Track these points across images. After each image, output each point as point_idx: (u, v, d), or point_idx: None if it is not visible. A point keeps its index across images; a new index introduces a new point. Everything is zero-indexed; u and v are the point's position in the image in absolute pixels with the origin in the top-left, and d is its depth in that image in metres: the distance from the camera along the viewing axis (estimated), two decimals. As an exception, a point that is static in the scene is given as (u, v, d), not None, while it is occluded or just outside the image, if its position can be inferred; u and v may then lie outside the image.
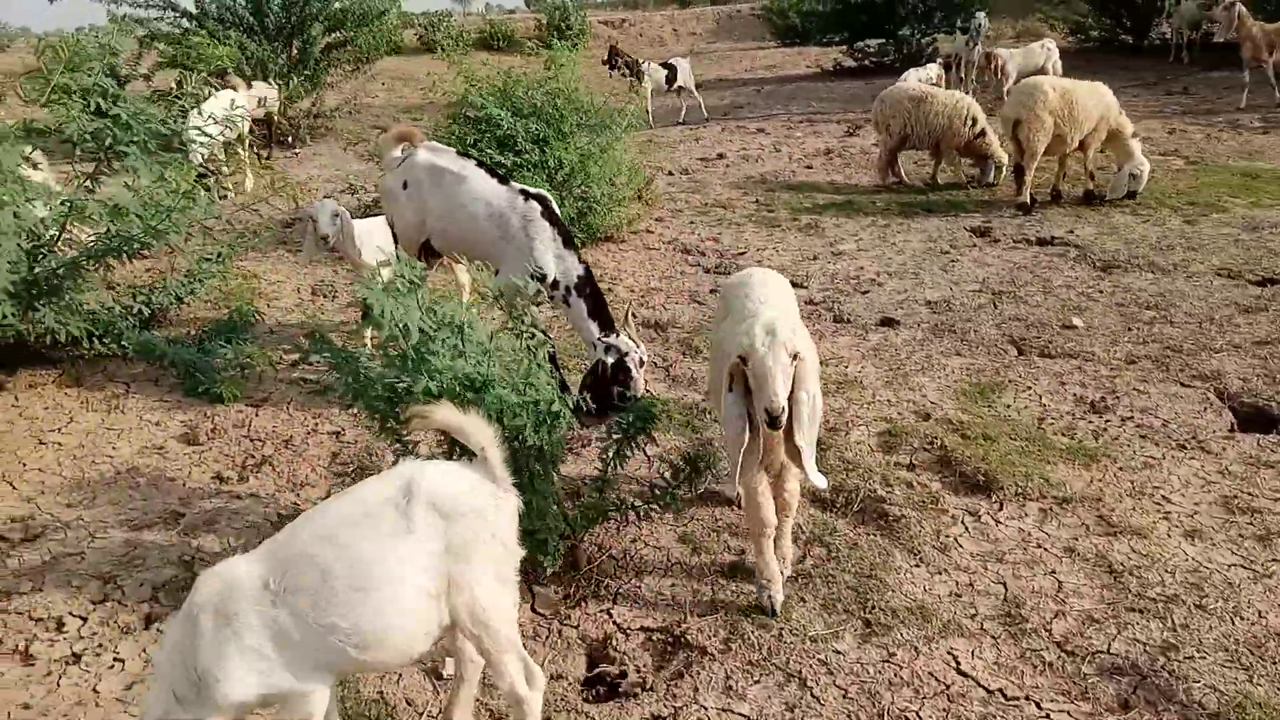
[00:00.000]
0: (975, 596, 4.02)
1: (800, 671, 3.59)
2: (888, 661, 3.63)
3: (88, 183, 6.50)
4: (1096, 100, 9.78)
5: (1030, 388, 6.10)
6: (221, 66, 11.54)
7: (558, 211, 5.77)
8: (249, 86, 12.55)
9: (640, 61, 17.95)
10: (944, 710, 3.39)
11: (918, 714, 3.38)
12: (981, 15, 19.51)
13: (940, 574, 4.18)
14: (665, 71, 17.61)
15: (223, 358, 6.17)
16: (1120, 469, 5.05)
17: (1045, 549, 4.34)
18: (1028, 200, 10.19)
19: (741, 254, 9.27)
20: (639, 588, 4.16)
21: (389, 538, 2.74)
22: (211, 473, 5.28)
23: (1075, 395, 5.97)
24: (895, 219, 10.28)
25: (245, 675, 2.61)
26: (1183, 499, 4.74)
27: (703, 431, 5.61)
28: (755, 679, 3.57)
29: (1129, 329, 6.97)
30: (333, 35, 16.03)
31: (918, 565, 4.24)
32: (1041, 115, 9.73)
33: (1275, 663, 3.57)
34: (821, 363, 4.61)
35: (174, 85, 14.09)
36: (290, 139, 14.60)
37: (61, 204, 6.04)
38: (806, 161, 13.14)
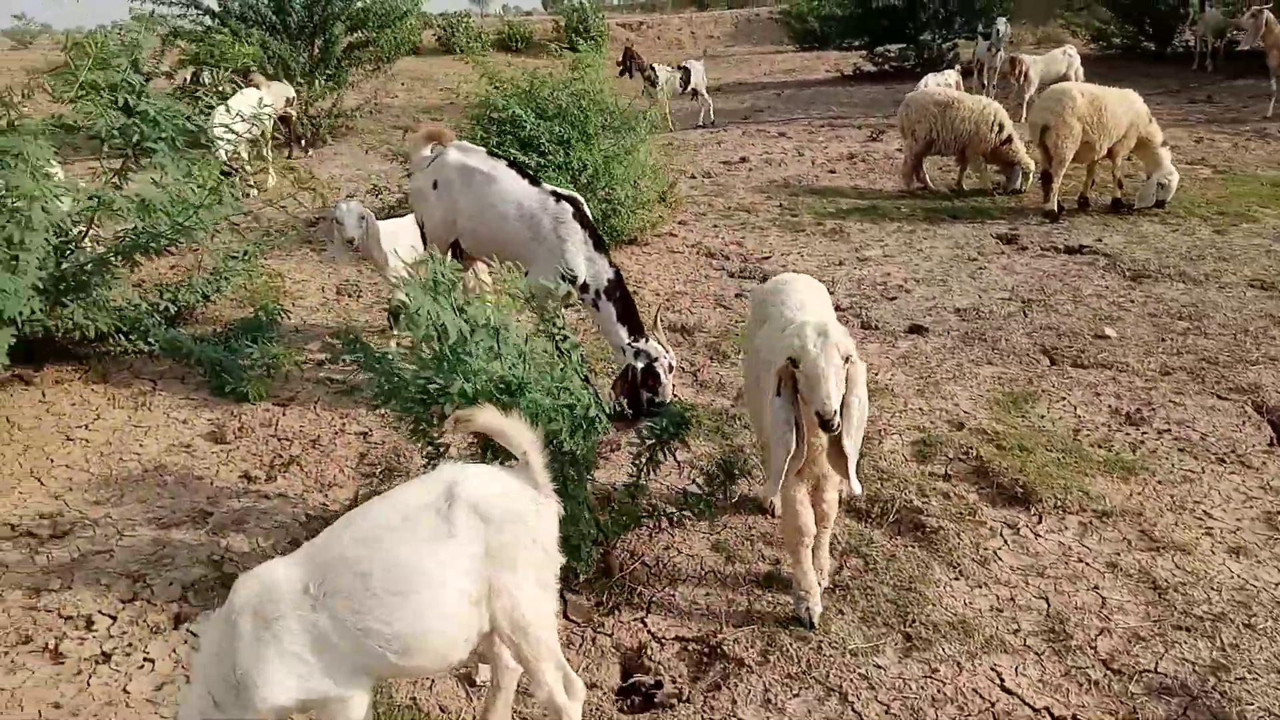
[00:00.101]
0: (1017, 611, 3.94)
1: (841, 686, 3.52)
2: (930, 677, 3.56)
3: (115, 179, 6.49)
4: (1126, 107, 9.68)
5: (1064, 398, 6.02)
6: (246, 65, 11.53)
7: (589, 214, 5.71)
8: (268, 85, 12.55)
9: (654, 65, 17.90)
10: (989, 728, 3.32)
11: (962, 731, 3.31)
12: (1003, 21, 19.42)
13: (981, 588, 4.10)
14: (679, 74, 17.55)
15: (249, 356, 6.14)
16: (1160, 483, 4.97)
17: (1087, 564, 4.26)
18: (1055, 208, 10.10)
19: (766, 258, 9.20)
20: (673, 596, 4.10)
21: (430, 542, 2.69)
22: (239, 472, 5.24)
23: (1110, 406, 5.88)
24: (921, 225, 10.20)
25: (284, 679, 2.56)
26: (1225, 514, 4.66)
27: (733, 438, 5.54)
28: (795, 692, 3.51)
29: (1162, 340, 6.88)
30: (354, 35, 16.03)
31: (957, 578, 4.16)
32: (1070, 122, 9.63)
33: (1328, 684, 3.49)
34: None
35: (188, 80, 14.13)
36: (303, 140, 14.56)
37: (90, 199, 6.02)
38: (829, 166, 13.06)
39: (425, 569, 2.64)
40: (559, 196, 5.64)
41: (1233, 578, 4.12)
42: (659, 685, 3.61)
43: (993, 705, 3.42)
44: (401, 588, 2.61)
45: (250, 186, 10.50)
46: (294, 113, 13.88)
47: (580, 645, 3.84)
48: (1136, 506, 4.72)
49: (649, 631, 3.89)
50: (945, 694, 3.47)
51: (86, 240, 6.49)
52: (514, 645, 2.80)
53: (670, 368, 5.24)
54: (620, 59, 20.14)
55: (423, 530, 2.69)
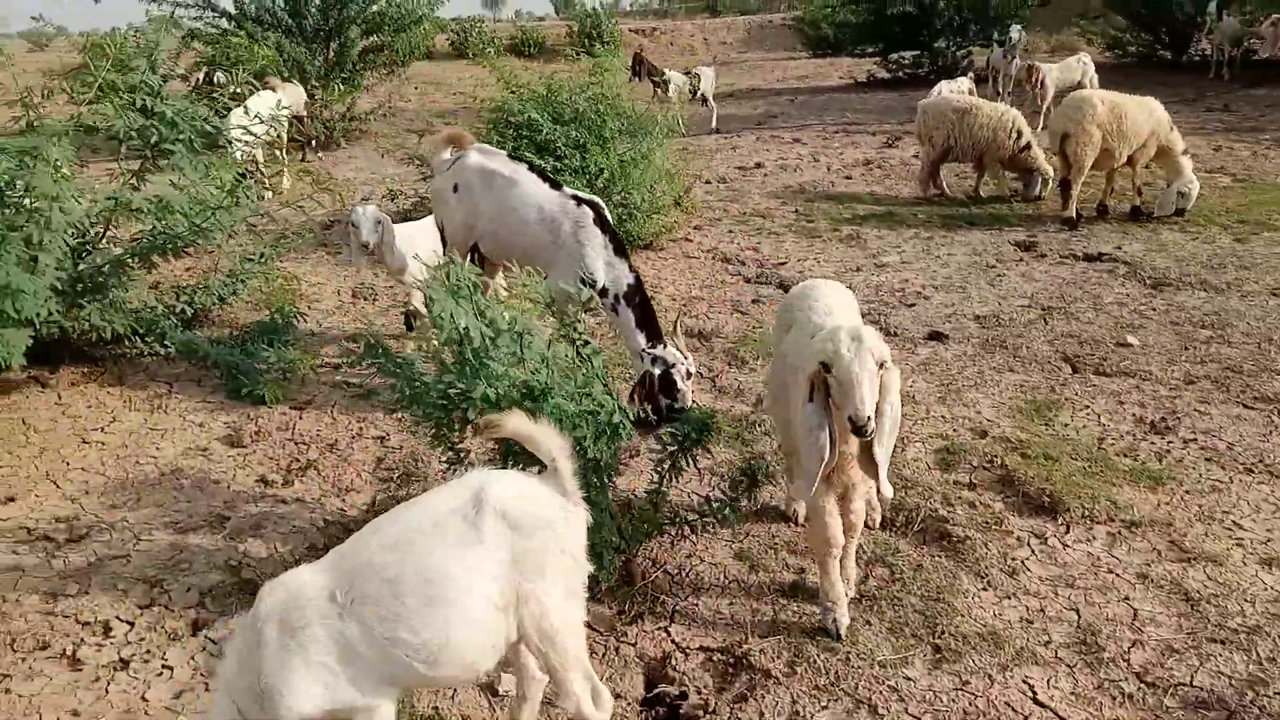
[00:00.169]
0: (1047, 623, 3.87)
1: (870, 698, 3.46)
2: (961, 690, 3.50)
3: (133, 180, 6.47)
4: (1147, 115, 9.61)
5: (1088, 406, 5.95)
6: (264, 67, 11.53)
7: (609, 219, 5.66)
8: (283, 88, 12.56)
9: (664, 70, 17.85)
10: (1023, 742, 3.25)
11: (995, 746, 3.25)
12: (1016, 28, 19.35)
13: (1009, 598, 4.04)
14: (689, 80, 17.49)
15: (265, 360, 6.10)
16: (1188, 492, 4.89)
17: (1117, 574, 4.19)
18: (1074, 215, 10.02)
19: (782, 264, 9.15)
20: (696, 605, 4.04)
21: (458, 548, 2.64)
22: (256, 475, 5.20)
23: (1135, 415, 5.81)
24: (938, 231, 10.14)
25: (310, 689, 2.52)
26: (1255, 525, 4.58)
27: (753, 444, 5.49)
28: (823, 704, 3.45)
29: (1185, 348, 6.80)
30: (369, 39, 16.06)
31: (985, 589, 4.10)
32: (1090, 129, 9.56)
33: (1368, 701, 3.41)
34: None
35: (200, 80, 14.15)
36: (314, 142, 14.56)
37: (107, 200, 5.99)
38: (845, 172, 13.01)
39: (454, 576, 2.59)
40: (580, 201, 5.60)
41: (1266, 589, 4.05)
42: (684, 696, 3.55)
43: (1026, 718, 3.36)
44: (430, 596, 2.56)
45: (266, 189, 10.49)
46: (305, 115, 13.88)
47: (603, 654, 3.78)
48: (1165, 517, 4.65)
49: (673, 641, 3.83)
50: (977, 707, 3.41)
51: (103, 241, 6.47)
52: (542, 654, 2.75)
53: (689, 374, 5.18)
54: (630, 64, 20.11)
55: (451, 537, 2.64)
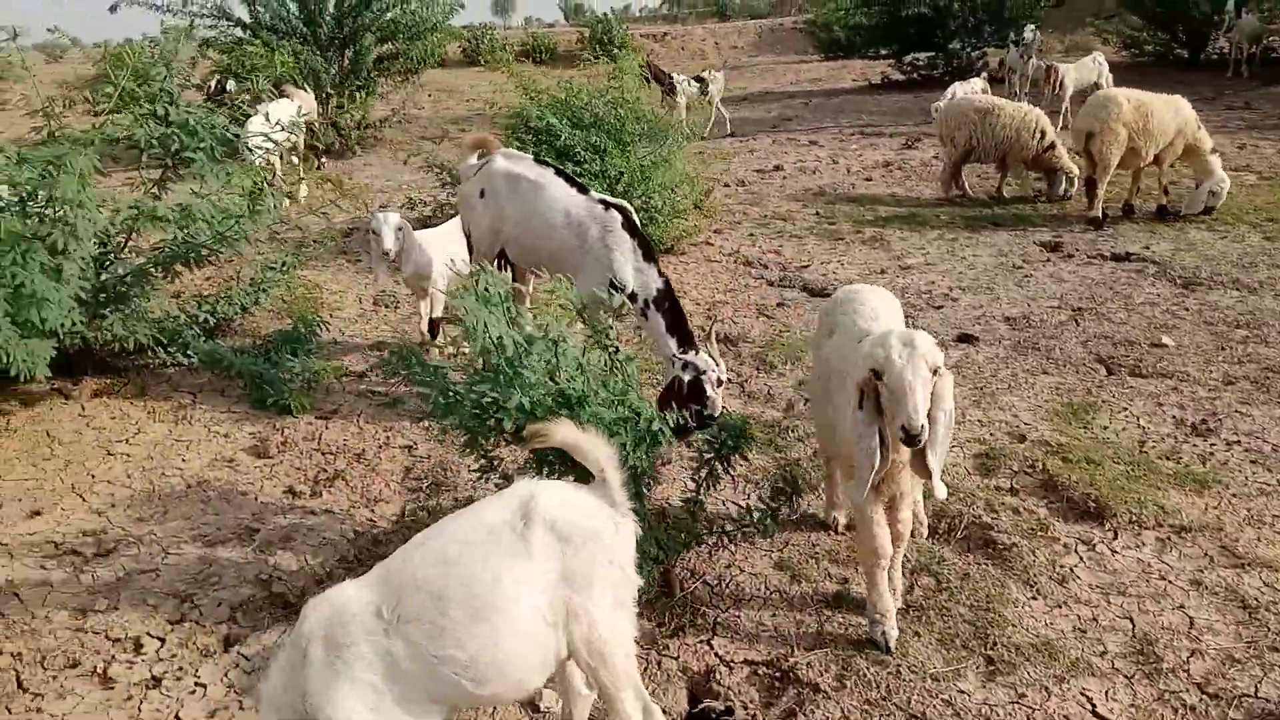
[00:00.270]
0: (1102, 632, 3.77)
1: (924, 712, 3.36)
2: (1017, 703, 3.39)
3: (154, 189, 6.42)
4: (1173, 114, 9.49)
5: (1126, 408, 5.84)
6: (285, 74, 11.51)
7: (638, 223, 5.57)
8: (299, 95, 12.53)
9: (673, 75, 17.72)
10: (1085, 758, 3.15)
11: (1056, 762, 3.14)
12: (1030, 28, 19.21)
13: (1060, 607, 3.93)
14: (698, 85, 17.34)
15: (290, 369, 6.02)
16: (1234, 496, 4.78)
17: (1170, 581, 4.08)
18: (1099, 215, 9.90)
19: (805, 267, 9.05)
20: (738, 617, 3.94)
21: (506, 561, 2.55)
22: (283, 487, 5.12)
23: (1175, 417, 5.70)
24: (962, 232, 10.02)
25: (356, 709, 2.43)
26: (1308, 530, 4.47)
27: (786, 450, 5.39)
28: None
29: (1221, 348, 6.68)
30: (384, 46, 16.04)
31: (1035, 597, 3.99)
32: (1115, 128, 9.44)
33: None
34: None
35: (211, 89, 14.13)
36: (323, 150, 14.51)
37: (131, 208, 5.94)
38: (865, 174, 12.90)
39: (502, 590, 2.51)
40: (608, 205, 5.51)
41: (1326, 597, 3.94)
42: (730, 711, 3.45)
43: (1086, 733, 3.25)
44: (478, 611, 2.48)
45: (286, 195, 10.44)
46: (318, 123, 13.86)
47: (645, 668, 3.67)
48: (1214, 521, 4.54)
49: (716, 654, 3.73)
50: (1034, 721, 3.30)
51: (125, 251, 6.41)
52: (592, 671, 2.66)
53: (720, 382, 5.08)
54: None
55: (499, 549, 2.56)
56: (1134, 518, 4.54)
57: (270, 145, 7.16)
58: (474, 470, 4.88)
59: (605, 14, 32.43)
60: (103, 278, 6.08)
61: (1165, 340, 6.84)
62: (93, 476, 5.23)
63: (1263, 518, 4.57)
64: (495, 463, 4.16)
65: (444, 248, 6.53)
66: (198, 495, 5.03)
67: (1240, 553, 4.26)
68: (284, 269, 7.21)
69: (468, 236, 6.10)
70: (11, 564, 4.42)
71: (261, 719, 2.53)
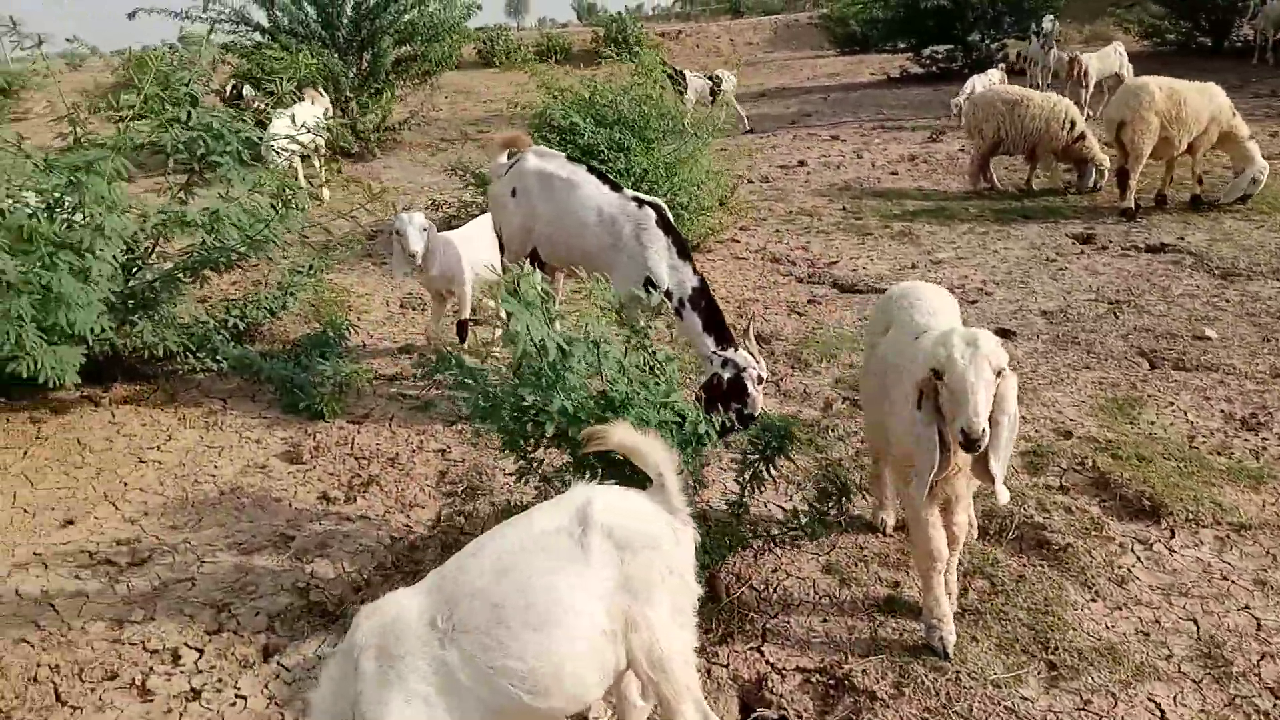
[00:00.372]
0: (1165, 635, 3.64)
1: (986, 720, 3.25)
2: (1084, 710, 3.28)
3: (180, 194, 6.37)
4: (1207, 101, 9.31)
5: (1172, 403, 5.70)
6: (310, 77, 11.46)
7: (672, 220, 5.48)
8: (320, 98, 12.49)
9: (684, 72, 17.56)
10: (1158, 767, 3.03)
11: (1128, 771, 3.03)
12: (1050, 18, 19.01)
13: (1121, 609, 3.81)
14: (709, 83, 17.18)
15: (321, 373, 5.95)
16: (1292, 492, 4.64)
17: (1232, 581, 3.95)
18: (1132, 205, 9.73)
19: (834, 263, 8.93)
20: (788, 623, 3.83)
21: (565, 571, 2.46)
22: (317, 492, 5.05)
23: (1223, 411, 5.56)
24: (992, 226, 9.88)
25: None
26: (1371, 526, 4.33)
27: (827, 450, 5.28)
28: (936, 728, 3.24)
29: (1267, 340, 6.53)
30: (402, 49, 16.00)
31: (1094, 600, 3.87)
32: (1148, 117, 9.28)
33: None
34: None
35: (228, 94, 14.11)
36: (343, 152, 14.48)
37: (160, 214, 5.89)
38: (890, 168, 12.75)
39: (560, 599, 2.42)
40: (641, 202, 5.41)
41: (1397, 596, 3.80)
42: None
43: (1157, 741, 3.14)
44: (535, 620, 2.39)
45: (314, 197, 10.40)
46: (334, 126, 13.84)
47: (694, 676, 3.59)
48: (1274, 519, 4.40)
49: (767, 661, 3.63)
50: (1102, 729, 3.19)
51: (153, 256, 6.37)
52: (652, 683, 2.56)
53: (760, 379, 4.97)
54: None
55: (556, 557, 2.47)
56: (1190, 515, 4.41)
57: (296, 148, 7.09)
58: (510, 473, 4.83)
59: (619, 13, 32.39)
60: (131, 284, 6.03)
61: (1208, 332, 6.69)
62: (125, 484, 5.18)
63: (1323, 514, 4.44)
64: (534, 465, 4.08)
65: (470, 248, 6.45)
66: (231, 502, 4.97)
67: (1303, 551, 4.13)
68: (311, 272, 7.15)
69: (499, 236, 6.01)
70: (46, 574, 4.37)
71: None
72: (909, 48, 24.83)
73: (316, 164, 11.66)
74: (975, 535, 4.29)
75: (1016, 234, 9.55)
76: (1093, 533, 4.33)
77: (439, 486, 5.11)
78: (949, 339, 3.06)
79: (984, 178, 11.28)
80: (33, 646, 3.85)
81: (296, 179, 9.97)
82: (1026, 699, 3.34)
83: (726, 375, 4.99)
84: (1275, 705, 3.27)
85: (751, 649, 3.70)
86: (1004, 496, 3.24)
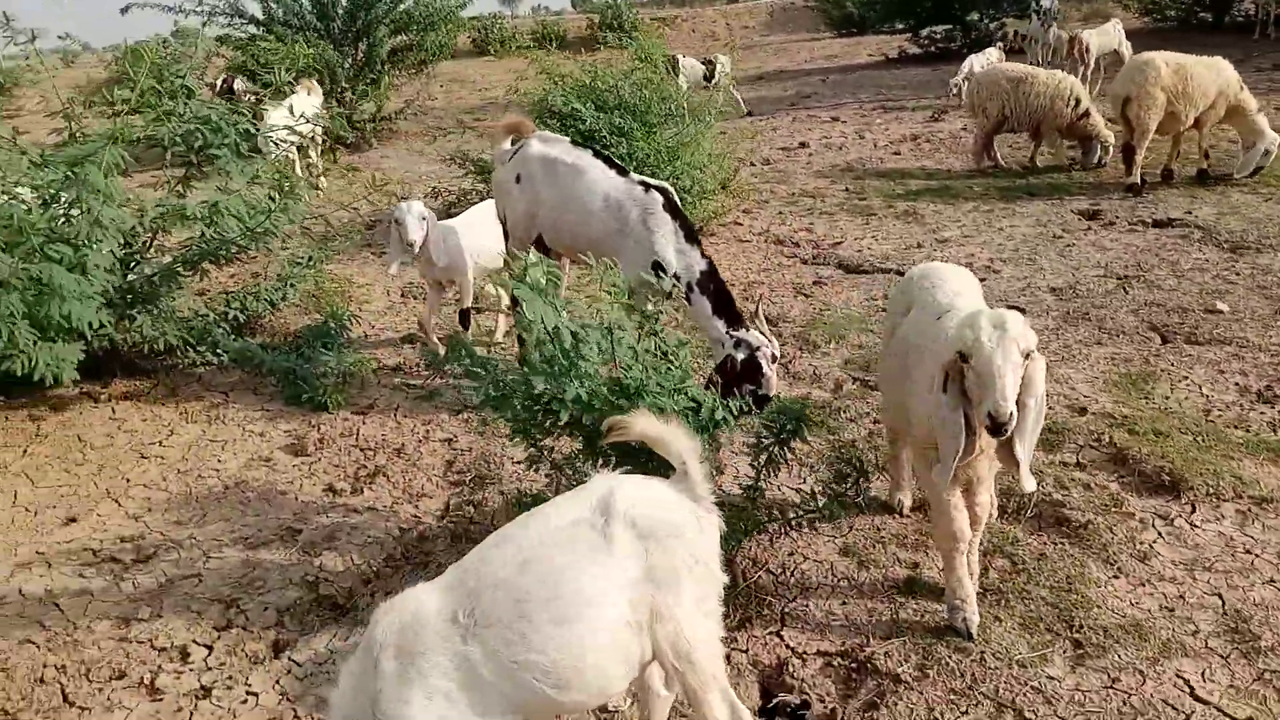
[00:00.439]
0: (1191, 611, 3.58)
1: (1014, 701, 3.18)
2: (1111, 688, 3.21)
3: (179, 187, 6.29)
4: (1214, 75, 9.20)
5: (1186, 377, 5.63)
6: (306, 67, 11.35)
7: (679, 204, 5.39)
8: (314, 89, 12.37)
9: (677, 57, 17.36)
10: (1191, 746, 2.96)
11: (1160, 751, 2.96)
12: (1050, -5, 18.92)
13: (1145, 585, 3.74)
14: (704, 67, 17.00)
15: (325, 364, 5.87)
16: (1313, 464, 4.57)
17: (1256, 555, 3.88)
18: (1138, 181, 9.64)
19: (838, 244, 8.84)
20: (807, 607, 3.77)
21: (588, 562, 2.39)
22: (323, 485, 4.98)
23: (1238, 385, 5.49)
24: (997, 204, 9.78)
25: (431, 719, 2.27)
26: (1395, 497, 4.26)
27: (839, 432, 5.21)
28: (962, 710, 3.17)
29: (1278, 313, 6.45)
30: (398, 38, 15.88)
31: (1117, 576, 3.80)
32: (1154, 92, 9.18)
33: None
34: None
35: (218, 87, 13.99)
36: (340, 142, 14.36)
37: (158, 207, 5.81)
38: (893, 148, 12.64)
39: (584, 592, 2.35)
40: (648, 186, 5.32)
41: None
42: (806, 705, 3.28)
43: (1188, 717, 3.07)
44: (560, 614, 2.32)
45: (318, 188, 10.31)
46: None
47: (713, 663, 3.52)
48: (1295, 492, 4.33)
49: (787, 646, 3.56)
50: (1132, 706, 3.12)
51: (151, 250, 6.29)
52: (678, 674, 2.48)
53: (774, 358, 4.89)
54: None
55: (579, 548, 2.39)
56: (1211, 490, 4.34)
57: (294, 139, 7.00)
58: (519, 462, 4.77)
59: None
60: (130, 278, 5.95)
61: (1220, 306, 6.62)
62: (127, 480, 5.11)
63: (1345, 486, 4.37)
64: (545, 453, 4.01)
65: (472, 235, 6.34)
66: (236, 496, 4.90)
67: (1328, 523, 4.06)
68: (310, 263, 7.06)
69: (503, 223, 5.91)
70: (50, 573, 4.30)
71: None
72: (907, 28, 24.68)
73: (313, 155, 11.56)
74: (994, 514, 4.22)
75: (1022, 211, 9.46)
76: (1112, 509, 4.26)
77: (446, 476, 5.04)
78: (976, 321, 2.97)
79: (988, 156, 11.18)
80: (38, 647, 3.79)
81: (294, 170, 9.87)
82: (1053, 678, 3.27)
83: (740, 356, 4.90)
84: (1307, 680, 3.20)
85: (771, 633, 3.63)
86: (1029, 484, 3.14)
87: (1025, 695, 3.20)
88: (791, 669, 3.45)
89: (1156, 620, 3.53)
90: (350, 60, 15.08)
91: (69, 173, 5.31)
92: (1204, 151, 9.82)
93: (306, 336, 6.37)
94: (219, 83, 15.56)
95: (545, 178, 5.50)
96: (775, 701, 3.33)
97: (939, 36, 23.72)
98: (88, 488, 5.06)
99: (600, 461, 3.84)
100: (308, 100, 9.67)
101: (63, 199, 5.41)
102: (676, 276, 5.19)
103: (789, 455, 4.04)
